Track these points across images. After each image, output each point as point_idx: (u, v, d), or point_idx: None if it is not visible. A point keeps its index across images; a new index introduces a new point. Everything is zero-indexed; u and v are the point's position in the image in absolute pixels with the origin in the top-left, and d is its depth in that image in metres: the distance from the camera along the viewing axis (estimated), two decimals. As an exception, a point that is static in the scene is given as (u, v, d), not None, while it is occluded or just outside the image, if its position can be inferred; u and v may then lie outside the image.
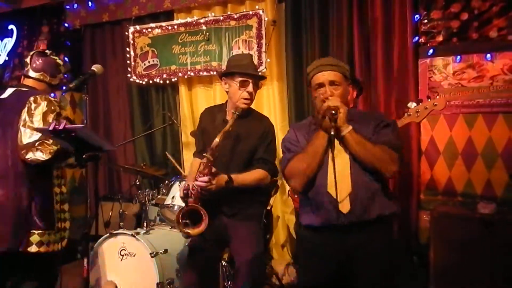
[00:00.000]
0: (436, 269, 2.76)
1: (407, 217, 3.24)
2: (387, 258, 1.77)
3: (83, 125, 1.67)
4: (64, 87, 4.58)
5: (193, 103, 4.13)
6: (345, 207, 1.70)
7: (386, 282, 1.75)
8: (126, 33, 4.15)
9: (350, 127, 1.72)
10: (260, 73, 2.75)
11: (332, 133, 1.64)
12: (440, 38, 3.19)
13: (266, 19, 3.61)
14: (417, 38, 3.25)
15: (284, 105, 3.77)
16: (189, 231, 2.11)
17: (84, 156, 1.76)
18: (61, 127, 1.62)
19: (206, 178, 2.08)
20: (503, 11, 2.99)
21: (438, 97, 2.82)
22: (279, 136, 2.94)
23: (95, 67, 2.04)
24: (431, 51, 3.20)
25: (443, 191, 3.18)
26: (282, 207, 3.75)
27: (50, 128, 1.64)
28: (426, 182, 3.23)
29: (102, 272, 2.77)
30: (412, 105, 2.58)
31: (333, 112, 1.65)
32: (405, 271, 3.06)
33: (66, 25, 4.56)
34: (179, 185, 2.96)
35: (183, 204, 2.49)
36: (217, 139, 2.08)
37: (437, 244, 2.78)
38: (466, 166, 3.11)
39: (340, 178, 1.66)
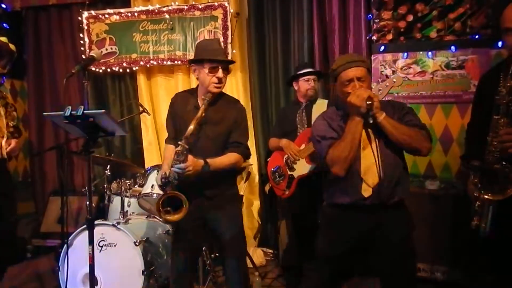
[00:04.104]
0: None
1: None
2: (404, 239, 1.96)
3: (103, 110, 1.62)
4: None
5: (153, 92, 4.07)
6: (372, 192, 1.89)
7: (402, 261, 1.94)
8: (80, 18, 3.94)
9: (384, 113, 1.89)
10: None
11: (371, 121, 1.83)
12: (390, 36, 3.56)
13: (231, 10, 3.70)
14: (370, 35, 3.60)
15: (247, 95, 3.91)
16: (169, 217, 2.14)
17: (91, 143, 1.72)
18: (79, 113, 1.58)
19: (182, 165, 2.10)
20: (441, 15, 3.45)
21: (394, 75, 3.21)
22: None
23: (94, 53, 1.97)
24: (382, 47, 3.57)
25: (394, 172, 3.60)
26: (248, 194, 3.89)
27: (66, 114, 1.59)
28: (379, 165, 3.63)
29: (79, 265, 2.67)
30: (373, 85, 2.89)
31: (369, 102, 1.82)
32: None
33: (3, 6, 4.17)
34: (157, 174, 2.96)
35: (161, 193, 2.53)
36: (191, 127, 2.10)
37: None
38: (412, 150, 3.55)
39: (371, 166, 1.87)
